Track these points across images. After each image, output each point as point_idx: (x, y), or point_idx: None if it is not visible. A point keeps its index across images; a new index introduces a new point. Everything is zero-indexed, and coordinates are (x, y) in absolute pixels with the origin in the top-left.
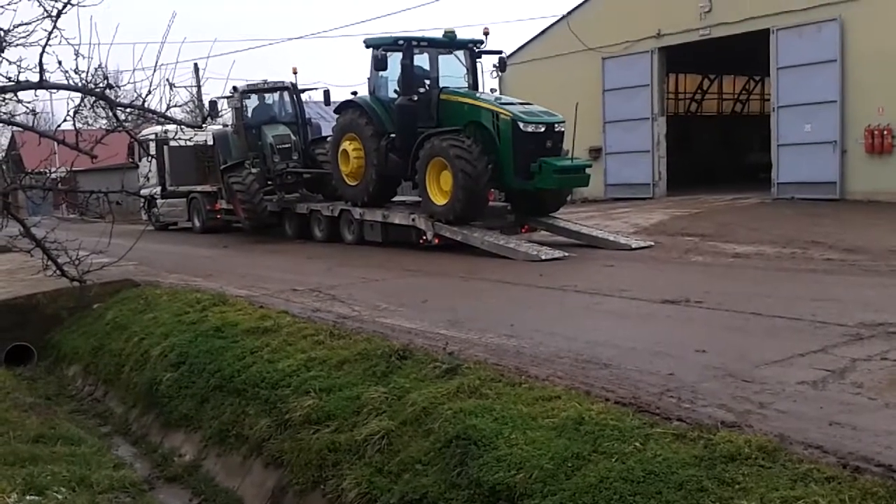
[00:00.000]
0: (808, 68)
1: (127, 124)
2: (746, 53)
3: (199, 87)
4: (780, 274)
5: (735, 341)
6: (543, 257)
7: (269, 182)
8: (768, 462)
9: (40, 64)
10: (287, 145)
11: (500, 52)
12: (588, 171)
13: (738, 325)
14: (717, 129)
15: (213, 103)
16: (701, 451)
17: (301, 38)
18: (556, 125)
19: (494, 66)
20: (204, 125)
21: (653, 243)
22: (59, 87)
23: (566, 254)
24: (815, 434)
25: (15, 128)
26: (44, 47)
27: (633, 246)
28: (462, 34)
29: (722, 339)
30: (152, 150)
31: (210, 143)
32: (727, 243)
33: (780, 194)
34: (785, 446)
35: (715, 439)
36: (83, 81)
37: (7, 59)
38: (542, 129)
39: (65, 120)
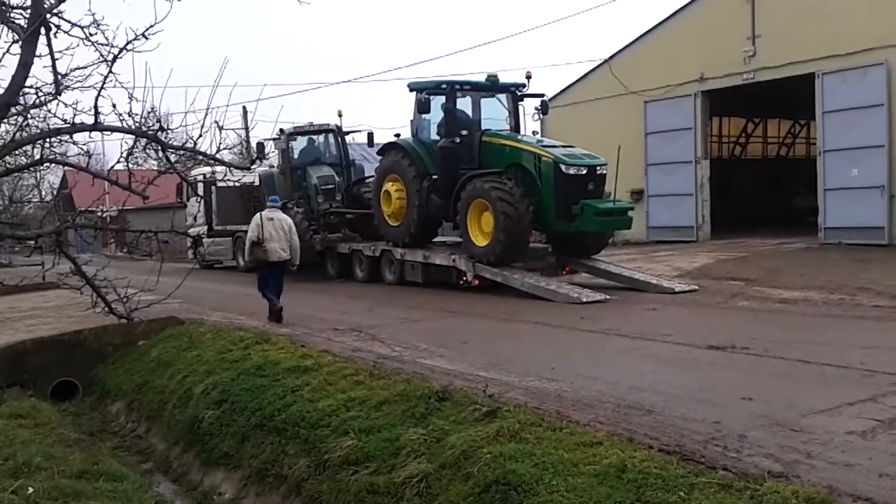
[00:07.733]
0: (855, 112)
1: (178, 165)
2: (791, 97)
3: (247, 129)
4: (828, 320)
5: (782, 389)
6: (584, 300)
7: (313, 222)
8: None
9: (95, 107)
10: (331, 186)
11: (542, 96)
12: (630, 213)
13: (786, 372)
14: (761, 172)
15: (260, 145)
16: (747, 502)
17: (346, 82)
18: (598, 168)
19: (536, 108)
20: (252, 167)
21: (696, 287)
22: (113, 129)
23: (608, 296)
24: (865, 486)
25: (68, 167)
26: (99, 91)
27: (677, 289)
28: (504, 78)
29: (768, 386)
30: (200, 191)
31: (256, 183)
32: (773, 288)
33: (827, 239)
34: (833, 498)
35: (762, 490)
36: (136, 124)
37: (63, 102)
38: (584, 172)
39: (118, 161)
